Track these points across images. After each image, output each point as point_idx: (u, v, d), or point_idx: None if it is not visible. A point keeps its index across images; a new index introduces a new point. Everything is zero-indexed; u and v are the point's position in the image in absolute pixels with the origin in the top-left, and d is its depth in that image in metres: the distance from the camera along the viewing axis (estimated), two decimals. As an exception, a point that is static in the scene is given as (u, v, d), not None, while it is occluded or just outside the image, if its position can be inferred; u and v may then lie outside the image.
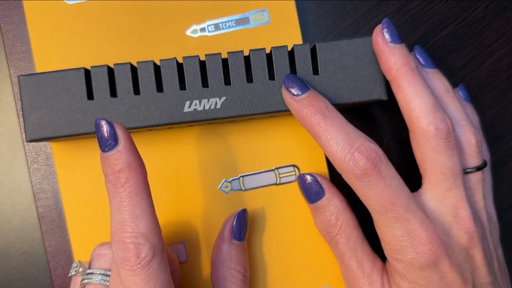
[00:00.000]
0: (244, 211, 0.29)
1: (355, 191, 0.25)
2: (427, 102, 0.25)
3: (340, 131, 0.25)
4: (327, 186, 0.29)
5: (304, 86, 0.26)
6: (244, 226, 0.29)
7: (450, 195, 0.25)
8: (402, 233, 0.24)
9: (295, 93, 0.26)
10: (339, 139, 0.25)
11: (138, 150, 0.23)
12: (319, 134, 0.25)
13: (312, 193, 0.29)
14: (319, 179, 0.29)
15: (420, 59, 0.30)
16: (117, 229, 0.22)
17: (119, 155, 0.22)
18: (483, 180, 0.27)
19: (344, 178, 0.25)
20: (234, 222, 0.29)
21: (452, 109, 0.28)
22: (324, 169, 0.31)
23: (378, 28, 0.27)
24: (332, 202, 0.28)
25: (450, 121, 0.25)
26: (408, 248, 0.24)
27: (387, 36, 0.26)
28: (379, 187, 0.24)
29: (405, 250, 0.24)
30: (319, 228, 0.29)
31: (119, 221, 0.22)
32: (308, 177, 0.29)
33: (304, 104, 0.26)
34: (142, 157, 0.23)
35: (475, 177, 0.27)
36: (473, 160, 0.27)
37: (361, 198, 0.25)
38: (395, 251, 0.25)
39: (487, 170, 0.30)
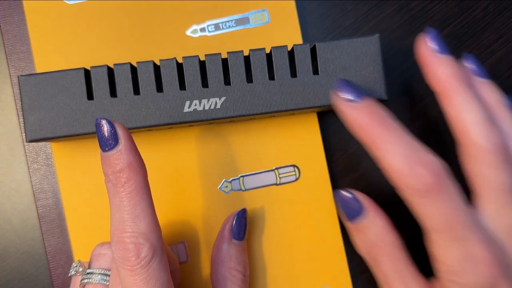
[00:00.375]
0: (243, 210, 0.29)
1: (411, 208, 0.24)
2: (478, 116, 0.24)
3: (402, 142, 0.23)
4: (367, 204, 0.27)
5: (361, 92, 0.25)
6: (243, 226, 0.29)
7: (505, 212, 0.24)
8: (461, 254, 0.23)
9: (352, 98, 0.25)
10: (400, 151, 0.23)
11: (138, 150, 0.23)
12: (379, 145, 0.24)
13: (351, 211, 0.27)
14: (358, 195, 0.27)
15: (473, 68, 0.28)
16: (117, 229, 0.22)
17: (120, 154, 0.22)
18: None
19: (401, 193, 0.24)
20: (234, 222, 0.28)
21: (505, 122, 0.26)
22: (324, 169, 0.31)
23: (422, 38, 0.25)
24: (375, 222, 0.26)
25: (503, 135, 0.24)
26: (467, 270, 0.23)
27: (433, 45, 0.25)
28: (441, 205, 0.23)
29: (463, 272, 0.23)
30: (358, 248, 0.27)
31: (119, 221, 0.22)
32: (346, 194, 0.27)
33: (364, 112, 0.24)
34: (142, 157, 0.23)
35: None
36: None
37: (417, 215, 0.24)
38: (452, 273, 0.23)
39: None
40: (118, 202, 0.22)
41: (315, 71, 0.28)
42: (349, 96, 0.25)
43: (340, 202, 0.28)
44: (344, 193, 0.27)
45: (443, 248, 0.23)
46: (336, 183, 0.32)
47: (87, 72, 0.28)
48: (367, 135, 0.24)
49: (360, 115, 0.24)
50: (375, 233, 0.26)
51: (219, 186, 0.31)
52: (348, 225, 0.28)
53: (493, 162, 0.24)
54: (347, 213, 0.27)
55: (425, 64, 0.26)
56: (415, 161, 0.23)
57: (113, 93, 0.28)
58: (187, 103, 0.27)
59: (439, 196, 0.23)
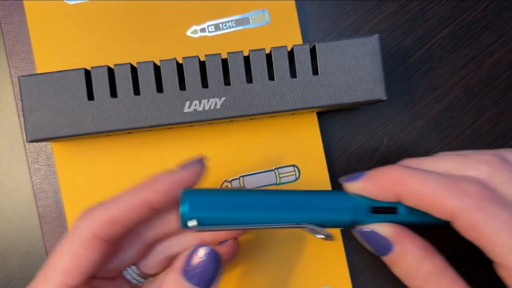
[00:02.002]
0: (211, 252, 0.23)
1: (478, 230, 0.21)
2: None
3: (429, 173, 0.22)
4: (394, 235, 0.24)
5: (360, 173, 0.24)
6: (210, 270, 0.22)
7: None
8: None
9: (354, 177, 0.24)
10: (433, 179, 0.22)
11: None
12: (410, 190, 0.22)
13: (379, 247, 0.24)
14: (380, 229, 0.24)
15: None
16: None
17: None
18: None
19: (457, 223, 0.21)
20: (191, 258, 0.23)
21: None
22: (324, 169, 0.31)
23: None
24: (407, 254, 0.24)
25: None
26: None
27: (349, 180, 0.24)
28: (503, 213, 0.20)
29: None
30: (402, 280, 0.25)
31: None
32: (367, 231, 0.25)
33: (376, 176, 0.24)
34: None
35: None
36: None
37: (483, 237, 0.21)
38: None
39: None
40: None
41: (315, 71, 0.28)
42: (348, 178, 0.25)
43: (365, 241, 0.25)
44: (363, 230, 0.25)
45: None
46: (336, 183, 0.32)
47: (87, 73, 0.28)
48: (393, 190, 0.23)
49: (374, 179, 0.24)
50: (409, 265, 0.24)
51: (219, 186, 0.31)
52: (383, 259, 0.25)
53: None
54: (377, 250, 0.25)
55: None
56: (452, 180, 0.21)
57: (113, 93, 0.28)
58: (187, 103, 0.27)
59: (497, 204, 0.20)
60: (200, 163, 0.25)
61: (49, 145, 0.31)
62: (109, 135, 0.31)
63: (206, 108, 0.28)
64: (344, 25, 0.33)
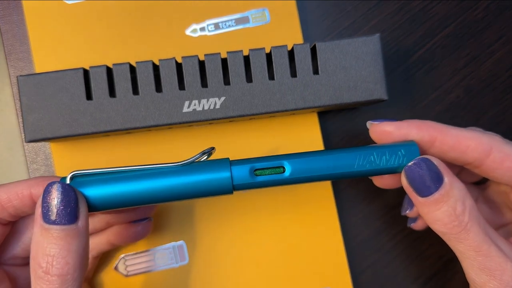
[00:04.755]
0: (63, 183, 0.22)
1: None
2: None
3: (457, 127, 0.25)
4: (443, 168, 0.24)
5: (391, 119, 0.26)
6: (57, 204, 0.22)
7: None
8: None
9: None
10: (463, 128, 0.25)
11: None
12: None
13: (426, 183, 0.23)
14: (433, 159, 0.24)
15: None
16: None
17: None
18: None
19: (488, 159, 0.24)
20: (43, 197, 0.22)
21: None
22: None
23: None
24: (455, 185, 0.23)
25: None
26: None
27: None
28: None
29: None
30: (440, 224, 0.24)
31: None
32: (422, 163, 0.24)
33: (414, 120, 0.25)
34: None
35: None
36: None
37: None
38: None
39: None
40: None
41: (315, 71, 0.28)
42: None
43: (415, 176, 0.24)
44: (419, 162, 0.24)
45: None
46: (336, 183, 0.32)
47: (86, 72, 0.28)
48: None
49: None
50: (457, 198, 0.23)
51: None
52: (424, 202, 0.24)
53: None
54: (425, 187, 0.24)
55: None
56: (475, 130, 0.25)
57: (112, 93, 0.27)
58: (187, 103, 0.27)
59: None
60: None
61: (47, 145, 0.31)
62: (108, 135, 0.30)
63: (206, 108, 0.27)
64: (345, 24, 0.33)
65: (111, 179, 0.23)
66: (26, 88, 0.27)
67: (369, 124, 0.26)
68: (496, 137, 0.24)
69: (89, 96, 0.27)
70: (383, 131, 0.25)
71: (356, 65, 0.28)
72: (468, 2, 0.33)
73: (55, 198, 0.21)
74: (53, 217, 0.21)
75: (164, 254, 0.31)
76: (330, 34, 0.33)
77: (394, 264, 0.32)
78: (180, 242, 0.31)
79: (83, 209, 0.22)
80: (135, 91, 0.27)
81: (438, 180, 0.23)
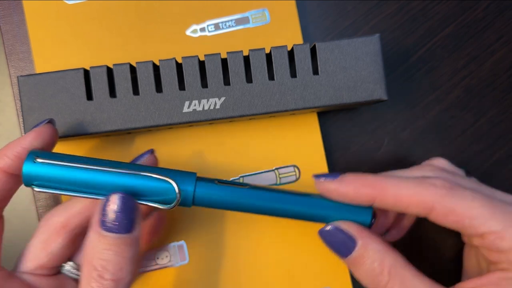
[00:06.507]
0: (124, 196, 0.23)
1: (455, 212, 0.23)
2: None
3: (399, 178, 0.24)
4: (356, 231, 0.25)
5: (335, 174, 0.25)
6: (126, 214, 0.23)
7: None
8: None
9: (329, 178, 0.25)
10: (406, 181, 0.24)
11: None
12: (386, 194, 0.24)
13: (341, 246, 0.25)
14: (343, 226, 0.25)
15: None
16: None
17: None
18: None
19: (434, 213, 0.23)
20: (105, 206, 0.23)
21: None
22: (324, 169, 0.31)
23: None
24: (370, 247, 0.24)
25: None
26: None
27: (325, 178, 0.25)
28: (468, 193, 0.23)
29: None
30: (363, 282, 0.25)
31: None
32: (330, 228, 0.25)
33: (353, 179, 0.25)
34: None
35: None
36: None
37: (461, 216, 0.23)
38: None
39: None
40: None
41: (315, 71, 0.28)
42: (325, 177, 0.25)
43: (327, 240, 0.25)
44: (327, 228, 0.25)
45: (504, 232, 0.22)
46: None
47: (86, 72, 0.28)
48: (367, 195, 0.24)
49: (345, 185, 0.25)
50: (373, 259, 0.24)
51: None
52: (345, 262, 0.25)
53: None
54: (338, 250, 0.25)
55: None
56: (418, 181, 0.24)
57: (112, 93, 0.27)
58: (187, 103, 0.27)
59: (461, 188, 0.23)
60: (51, 126, 0.25)
61: (48, 145, 0.31)
62: (108, 135, 0.30)
63: (206, 108, 0.27)
64: (345, 24, 0.33)
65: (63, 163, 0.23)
66: (27, 88, 0.27)
67: (313, 178, 0.26)
68: (439, 190, 0.23)
69: (89, 96, 0.27)
70: (326, 189, 0.25)
71: (356, 65, 0.28)
72: (468, 2, 0.33)
73: (116, 208, 0.22)
74: (111, 225, 0.22)
75: (164, 254, 0.31)
76: (330, 34, 0.33)
77: (394, 264, 0.32)
78: (181, 242, 0.31)
79: (138, 219, 0.23)
80: (136, 91, 0.27)
81: (352, 243, 0.24)
